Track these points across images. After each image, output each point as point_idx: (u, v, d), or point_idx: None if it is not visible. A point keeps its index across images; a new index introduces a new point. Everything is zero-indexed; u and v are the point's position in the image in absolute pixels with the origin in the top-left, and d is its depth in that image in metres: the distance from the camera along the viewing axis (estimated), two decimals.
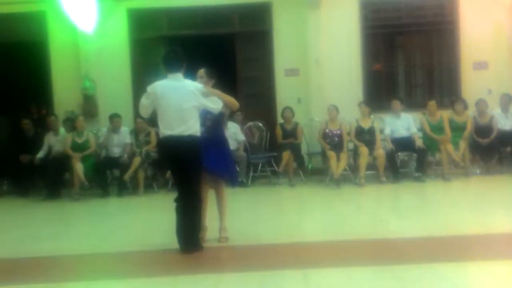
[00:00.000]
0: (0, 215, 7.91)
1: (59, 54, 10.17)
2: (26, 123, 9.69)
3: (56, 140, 9.26)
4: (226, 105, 5.23)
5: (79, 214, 7.93)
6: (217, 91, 5.18)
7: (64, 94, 10.16)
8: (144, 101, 5.15)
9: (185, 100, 4.97)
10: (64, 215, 7.89)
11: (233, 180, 5.73)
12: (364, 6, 10.22)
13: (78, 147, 8.93)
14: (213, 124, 5.32)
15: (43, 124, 10.03)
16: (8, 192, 9.49)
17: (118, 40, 10.12)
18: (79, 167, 8.62)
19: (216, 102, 5.10)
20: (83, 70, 9.90)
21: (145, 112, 5.25)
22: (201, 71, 5.40)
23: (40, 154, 9.13)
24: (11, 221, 7.39)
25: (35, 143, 9.29)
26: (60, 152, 9.09)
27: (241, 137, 9.27)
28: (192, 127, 4.99)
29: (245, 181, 9.10)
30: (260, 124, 9.81)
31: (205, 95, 5.04)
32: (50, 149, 9.24)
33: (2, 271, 4.91)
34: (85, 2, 9.48)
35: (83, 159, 8.78)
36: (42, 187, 9.11)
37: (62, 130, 9.40)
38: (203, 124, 5.19)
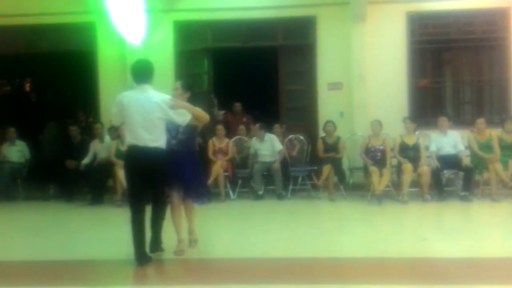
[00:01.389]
0: (46, 219, 8.08)
1: (106, 64, 10.36)
2: (74, 130, 9.90)
3: (101, 148, 9.43)
4: (196, 118, 5.20)
5: (121, 220, 7.94)
6: (186, 104, 5.15)
7: (110, 103, 10.11)
8: (113, 110, 5.18)
9: (150, 112, 4.98)
10: (107, 220, 7.97)
11: (199, 196, 5.51)
12: (412, 20, 10.05)
13: (121, 155, 9.00)
14: (186, 138, 5.30)
15: (89, 131, 10.22)
16: (54, 197, 9.65)
17: (164, 51, 10.22)
18: (121, 174, 8.72)
19: (183, 114, 5.08)
20: (129, 80, 10.02)
21: (115, 120, 5.44)
22: (177, 83, 5.45)
23: (86, 161, 9.32)
24: (56, 225, 7.56)
25: (81, 150, 9.49)
26: (104, 159, 9.25)
27: (280, 146, 9.20)
28: (158, 139, 5.01)
29: (284, 193, 9.03)
30: (301, 137, 9.74)
31: (172, 107, 5.02)
32: (95, 156, 9.42)
33: (46, 274, 5.04)
34: (132, 14, 9.65)
35: None
36: (87, 193, 9.29)
37: (107, 137, 9.55)
38: (175, 137, 5.23)
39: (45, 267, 5.28)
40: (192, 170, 5.35)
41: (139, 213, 5.07)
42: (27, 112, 13.21)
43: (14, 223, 7.90)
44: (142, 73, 5.12)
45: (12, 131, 10.01)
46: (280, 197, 8.96)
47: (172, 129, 5.22)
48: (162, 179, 5.14)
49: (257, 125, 9.46)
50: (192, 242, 5.59)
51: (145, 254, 5.11)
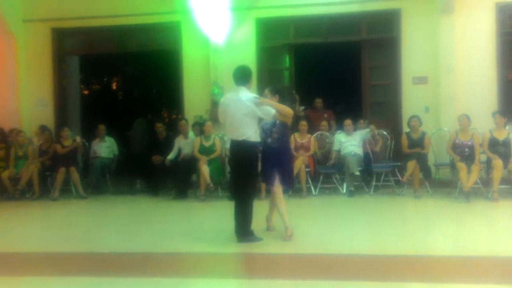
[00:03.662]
0: (132, 212, 8.35)
1: (190, 62, 10.54)
2: (159, 126, 10.22)
3: (186, 143, 9.64)
4: (281, 113, 5.73)
5: (204, 214, 8.17)
6: (270, 101, 5.80)
7: (194, 100, 10.52)
8: (219, 110, 6.03)
9: (240, 110, 5.71)
10: (191, 215, 8.13)
11: (286, 185, 6.14)
12: (501, 11, 9.60)
13: (205, 150, 9.27)
14: (279, 135, 5.93)
15: (174, 127, 10.52)
16: (141, 191, 9.99)
17: (246, 48, 10.30)
18: (205, 170, 8.89)
19: (267, 111, 5.70)
20: (212, 77, 10.26)
21: (220, 119, 6.10)
22: (266, 91, 6.08)
23: (171, 156, 9.53)
24: (143, 218, 7.75)
25: (167, 145, 9.74)
26: (188, 155, 9.45)
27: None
28: (246, 133, 5.69)
29: (353, 189, 8.84)
30: (385, 132, 9.56)
31: (257, 105, 5.69)
32: (179, 151, 9.65)
33: (133, 265, 5.25)
34: (216, 13, 9.80)
35: (209, 162, 9.06)
36: (172, 187, 9.51)
37: (191, 134, 9.79)
38: (270, 136, 5.90)
39: (133, 259, 5.45)
40: (284, 162, 6.01)
41: (241, 200, 5.73)
42: (115, 109, 13.85)
43: (104, 216, 8.21)
44: (239, 77, 5.92)
45: (102, 128, 10.38)
46: (350, 193, 8.81)
47: (267, 129, 5.92)
48: (250, 168, 5.76)
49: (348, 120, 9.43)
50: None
51: (238, 232, 5.72)
